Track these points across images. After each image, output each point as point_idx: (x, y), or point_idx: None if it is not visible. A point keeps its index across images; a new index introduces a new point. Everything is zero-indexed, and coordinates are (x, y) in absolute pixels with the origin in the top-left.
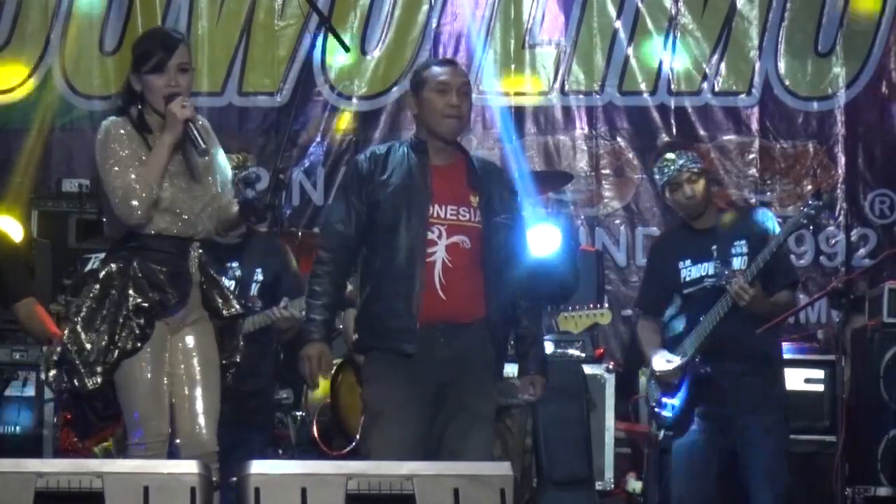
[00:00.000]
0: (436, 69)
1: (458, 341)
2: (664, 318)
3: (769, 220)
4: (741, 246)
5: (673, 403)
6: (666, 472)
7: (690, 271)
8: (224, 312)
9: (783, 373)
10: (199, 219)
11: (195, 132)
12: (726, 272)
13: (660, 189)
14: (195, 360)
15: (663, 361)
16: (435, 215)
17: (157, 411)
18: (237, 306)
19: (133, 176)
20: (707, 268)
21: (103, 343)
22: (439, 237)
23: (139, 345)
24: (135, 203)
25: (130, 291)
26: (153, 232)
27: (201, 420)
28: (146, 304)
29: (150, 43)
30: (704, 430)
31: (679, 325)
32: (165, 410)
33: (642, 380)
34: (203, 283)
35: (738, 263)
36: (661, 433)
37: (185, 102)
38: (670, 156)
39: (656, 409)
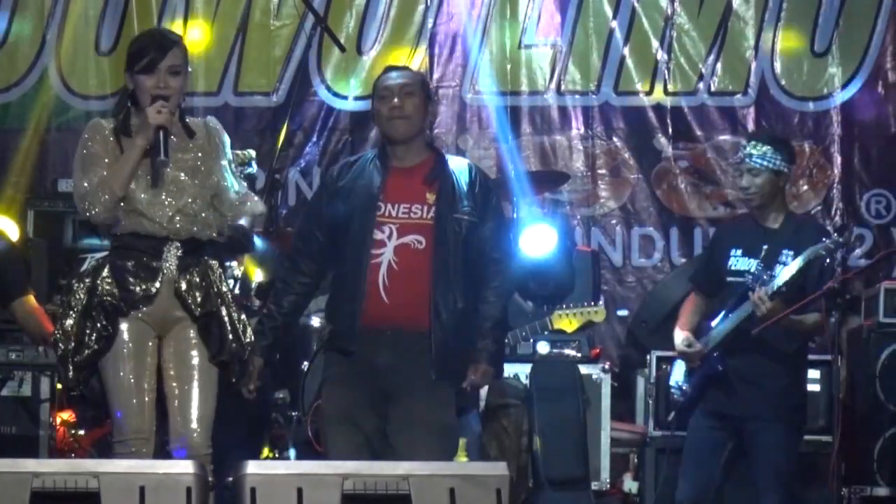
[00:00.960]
0: (381, 77)
1: (401, 347)
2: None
3: (820, 241)
4: (788, 256)
5: (686, 389)
6: (662, 473)
7: (738, 261)
8: (195, 312)
9: (805, 376)
10: (174, 221)
11: (162, 140)
12: (764, 276)
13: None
14: (188, 361)
15: (684, 344)
16: (386, 214)
17: (137, 410)
18: (213, 306)
19: (97, 178)
20: (752, 264)
21: (74, 340)
22: (389, 237)
23: (102, 343)
24: (92, 205)
25: (98, 290)
26: (127, 231)
27: (193, 422)
28: (110, 302)
29: (145, 42)
30: (713, 426)
31: (716, 311)
32: (148, 409)
33: (640, 381)
34: (176, 282)
35: (779, 271)
36: (661, 433)
37: (163, 108)
38: (748, 143)
39: (672, 389)
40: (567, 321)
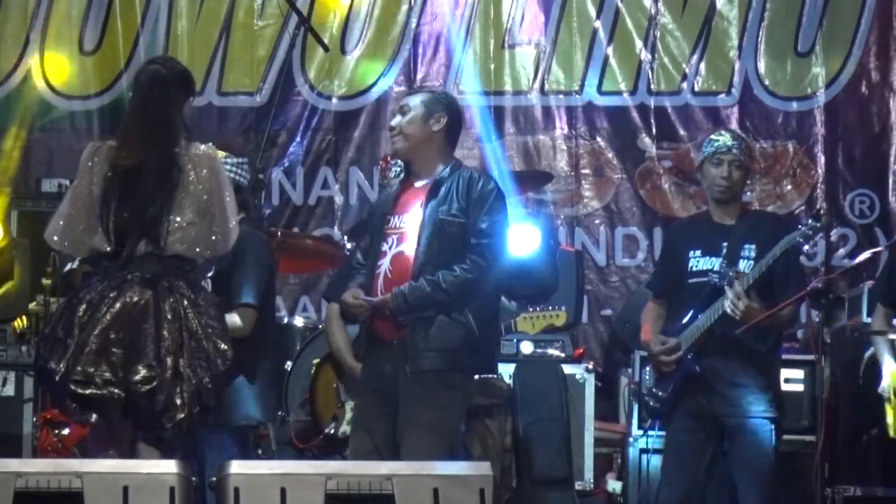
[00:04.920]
0: None
1: (398, 354)
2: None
3: (783, 231)
4: (750, 250)
5: (662, 395)
6: (645, 472)
7: (698, 262)
8: None
9: (778, 375)
10: None
11: None
12: (730, 273)
13: (700, 161)
14: None
15: (660, 346)
16: (392, 226)
17: None
18: None
19: None
20: (714, 263)
21: None
22: (390, 247)
23: None
24: None
25: None
26: None
27: None
28: None
29: None
30: (693, 428)
31: (680, 313)
32: None
33: (623, 381)
34: None
35: (743, 266)
36: (643, 433)
37: None
38: (727, 134)
39: (646, 397)
40: (530, 324)
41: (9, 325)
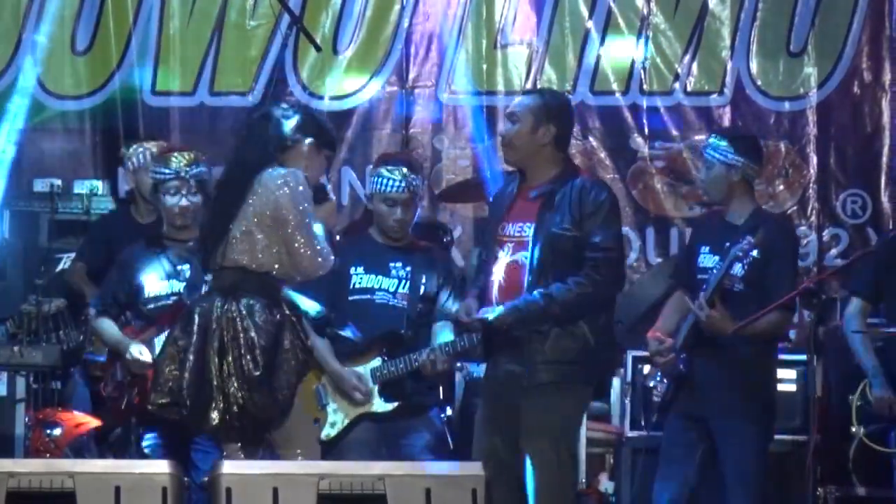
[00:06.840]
0: None
1: (511, 363)
2: None
3: (780, 236)
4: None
5: (661, 391)
6: (638, 473)
7: (706, 258)
8: None
9: (769, 377)
10: None
11: None
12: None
13: None
14: None
15: (654, 347)
16: (505, 233)
17: None
18: None
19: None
20: (716, 261)
21: None
22: (506, 255)
23: None
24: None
25: None
26: None
27: None
28: None
29: None
30: (684, 428)
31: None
32: None
33: (616, 381)
34: None
35: (737, 268)
36: (637, 434)
37: None
38: (710, 137)
39: (651, 394)
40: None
41: (1, 326)
